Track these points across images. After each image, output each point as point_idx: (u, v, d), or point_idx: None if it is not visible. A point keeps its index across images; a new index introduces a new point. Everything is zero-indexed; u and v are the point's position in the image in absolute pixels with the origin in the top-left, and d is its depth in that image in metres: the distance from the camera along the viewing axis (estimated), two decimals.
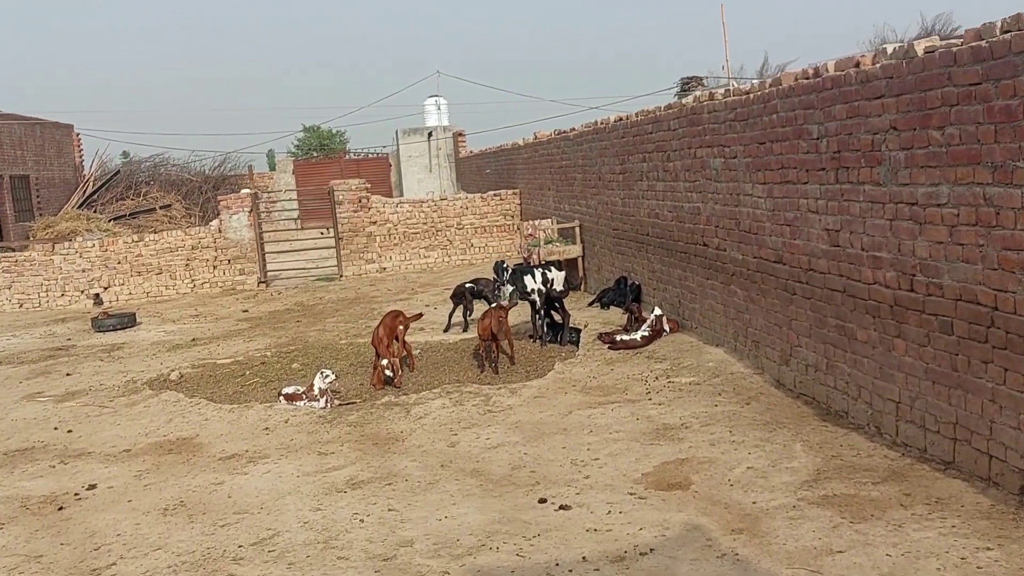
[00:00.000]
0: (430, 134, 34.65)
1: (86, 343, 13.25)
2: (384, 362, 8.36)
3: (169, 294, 17.91)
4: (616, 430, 6.59)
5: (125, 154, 33.43)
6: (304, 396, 8.03)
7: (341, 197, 18.87)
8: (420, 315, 9.65)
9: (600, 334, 9.63)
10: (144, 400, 8.77)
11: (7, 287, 17.31)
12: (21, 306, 17.31)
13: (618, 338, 9.21)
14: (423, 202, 19.56)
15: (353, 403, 8.09)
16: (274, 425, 7.50)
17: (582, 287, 13.37)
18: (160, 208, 31.43)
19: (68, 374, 10.84)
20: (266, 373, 9.77)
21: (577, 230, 13.79)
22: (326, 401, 8.00)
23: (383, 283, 17.76)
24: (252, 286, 18.19)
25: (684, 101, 9.06)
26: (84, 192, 32.04)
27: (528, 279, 9.76)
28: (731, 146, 7.96)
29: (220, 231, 18.23)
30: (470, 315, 11.17)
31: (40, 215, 28.62)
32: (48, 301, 17.42)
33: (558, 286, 9.89)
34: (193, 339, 12.88)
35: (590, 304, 11.78)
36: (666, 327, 9.33)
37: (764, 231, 7.43)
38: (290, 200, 28.92)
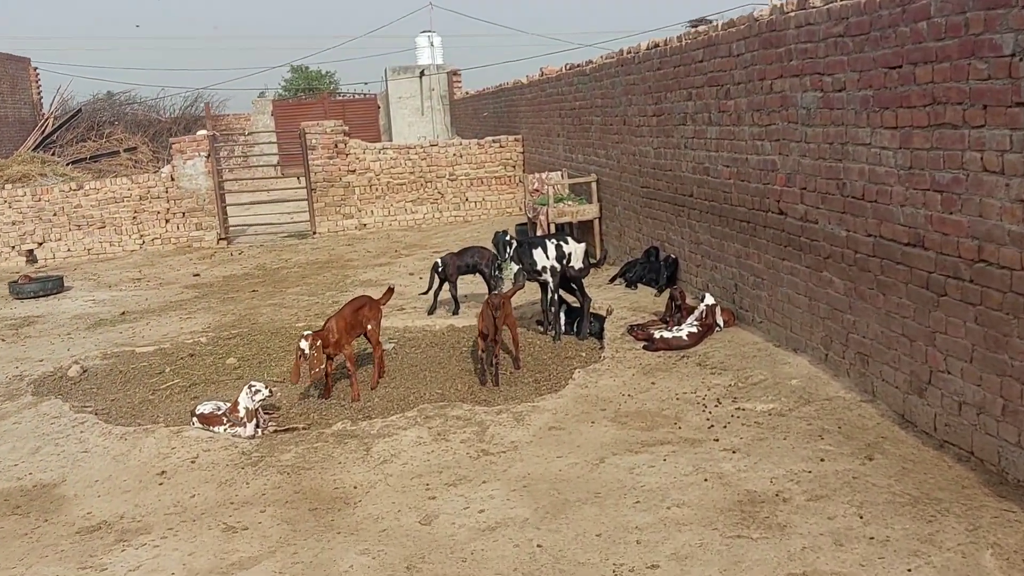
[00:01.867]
0: (422, 73, 31.80)
1: None
2: (320, 367, 6.06)
3: (114, 251, 15.49)
4: (676, 501, 4.33)
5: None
6: (225, 418, 5.74)
7: (314, 141, 16.35)
8: (391, 291, 7.29)
9: (631, 326, 7.30)
10: (19, 411, 6.45)
11: None
12: None
13: (656, 334, 6.89)
14: (410, 148, 17.06)
15: (296, 429, 5.81)
16: (175, 466, 5.20)
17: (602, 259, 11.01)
18: (124, 151, 28.81)
19: None
20: (191, 371, 7.46)
21: (593, 186, 11.39)
22: (256, 426, 5.72)
23: (362, 242, 15.38)
24: (211, 244, 15.78)
25: (758, 13, 6.60)
26: (42, 132, 29.29)
27: (539, 254, 7.40)
28: (836, 73, 5.55)
29: (173, 179, 15.74)
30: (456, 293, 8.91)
31: None
32: None
33: (576, 263, 7.56)
34: (123, 312, 10.53)
35: (611, 280, 9.44)
36: (719, 320, 7.02)
37: (891, 198, 5.08)
38: (269, 144, 26.33)
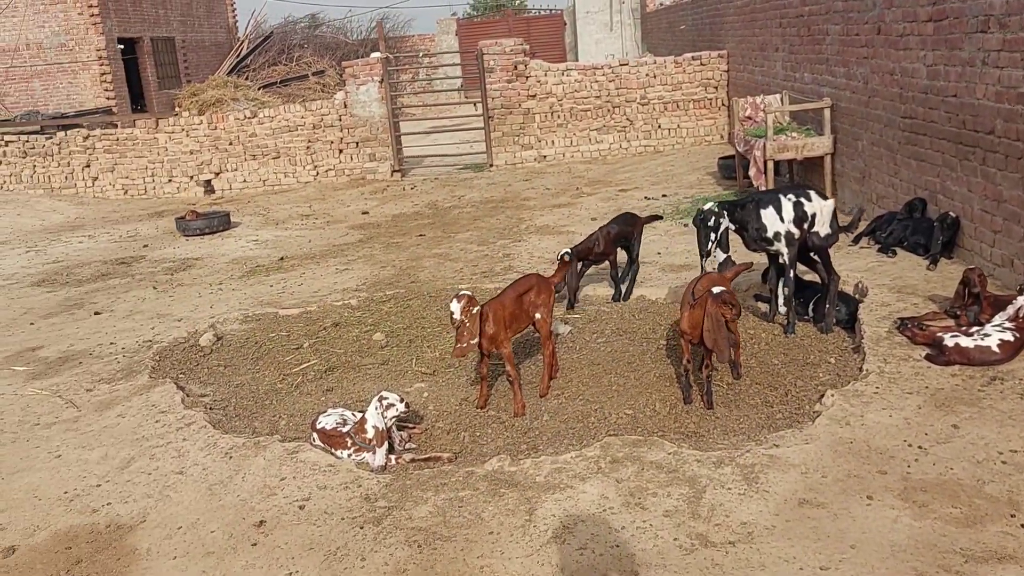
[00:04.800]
0: None
1: (158, 254, 10.36)
2: (471, 339, 4.52)
3: (288, 183, 14.87)
4: None
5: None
6: (350, 439, 4.39)
7: (492, 63, 14.74)
8: (565, 263, 5.60)
9: (902, 321, 5.19)
10: (128, 398, 5.47)
11: (109, 170, 14.87)
12: (126, 192, 14.88)
13: (946, 338, 4.78)
14: (597, 69, 15.04)
15: (438, 460, 4.36)
16: (278, 515, 3.91)
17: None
18: (313, 75, 28.69)
19: (96, 313, 7.89)
20: (331, 348, 6.23)
21: (826, 113, 9.02)
22: (386, 454, 4.33)
23: (540, 177, 13.78)
24: (384, 176, 14.76)
25: None
26: (237, 56, 29.75)
27: (769, 215, 5.41)
28: None
29: (346, 106, 14.76)
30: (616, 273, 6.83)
31: (188, 82, 26.60)
32: (155, 188, 14.87)
33: (823, 227, 5.50)
34: (281, 258, 9.63)
35: (855, 240, 7.25)
36: None
37: None
38: (452, 66, 25.13)
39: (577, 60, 27.69)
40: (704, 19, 16.11)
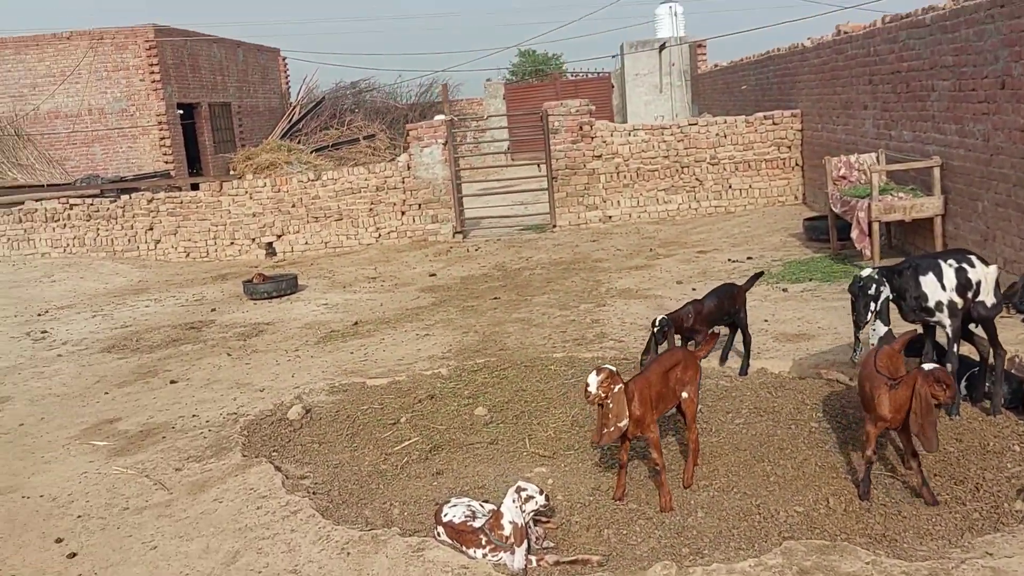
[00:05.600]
0: (662, 47, 29.26)
1: (227, 319, 10.06)
2: (619, 422, 4.01)
3: (350, 244, 14.64)
4: None
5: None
6: (484, 535, 3.88)
7: (557, 124, 14.52)
8: (714, 337, 5.11)
9: None
10: (223, 479, 5.03)
11: (172, 232, 14.78)
12: (188, 255, 14.75)
13: None
14: (664, 129, 14.74)
15: (587, 562, 3.82)
16: None
17: None
18: (364, 139, 28.95)
19: (172, 381, 7.53)
20: (431, 423, 5.75)
21: (935, 173, 8.51)
22: (525, 554, 3.81)
23: (608, 238, 13.38)
24: (447, 237, 14.48)
25: None
26: (289, 121, 30.18)
27: (929, 282, 4.89)
28: None
29: (409, 168, 14.58)
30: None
31: (242, 146, 26.94)
32: (216, 250, 14.73)
33: (988, 296, 4.96)
34: (356, 322, 9.25)
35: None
36: None
37: None
38: (500, 129, 25.10)
39: (626, 121, 27.57)
40: (771, 78, 15.81)
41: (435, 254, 13.48)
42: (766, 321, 7.49)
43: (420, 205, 14.59)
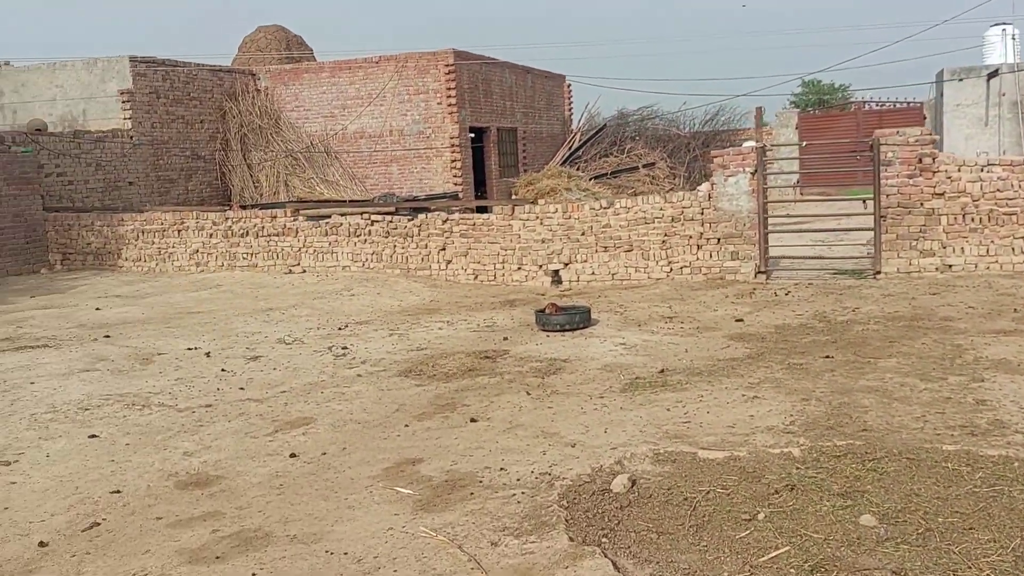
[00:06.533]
0: (992, 74, 25.48)
1: (520, 350, 9.43)
2: None
3: (639, 278, 13.66)
4: None
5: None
6: None
7: (891, 155, 12.53)
8: None
9: None
10: (548, 571, 4.11)
11: (463, 254, 14.72)
12: (476, 277, 14.61)
13: None
14: None
15: None
16: None
17: None
18: (643, 167, 28.16)
19: (473, 419, 6.89)
20: (802, 528, 4.45)
21: None
22: None
23: (952, 291, 11.18)
24: (747, 277, 13.03)
25: None
26: (570, 148, 30.19)
27: None
28: None
29: (710, 199, 13.33)
30: None
31: (525, 170, 27.27)
32: (504, 274, 14.44)
33: None
34: (662, 369, 8.17)
35: None
36: None
37: None
38: (790, 159, 23.09)
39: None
40: None
41: (736, 295, 12.09)
42: None
43: (719, 240, 13.27)
